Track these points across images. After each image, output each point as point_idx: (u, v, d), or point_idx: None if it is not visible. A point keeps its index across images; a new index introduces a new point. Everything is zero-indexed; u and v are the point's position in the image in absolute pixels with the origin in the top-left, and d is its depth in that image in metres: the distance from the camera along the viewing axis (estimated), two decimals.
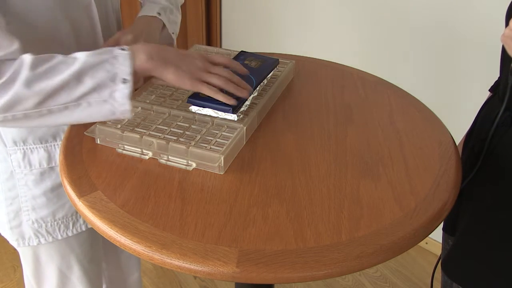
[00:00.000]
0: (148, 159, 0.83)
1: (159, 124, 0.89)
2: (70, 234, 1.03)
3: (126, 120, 0.89)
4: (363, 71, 1.16)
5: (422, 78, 1.82)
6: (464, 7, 1.62)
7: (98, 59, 0.75)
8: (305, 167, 0.82)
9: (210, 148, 0.83)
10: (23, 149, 0.95)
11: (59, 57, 0.75)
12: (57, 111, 0.75)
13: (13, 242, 1.02)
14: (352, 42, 2.03)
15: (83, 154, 0.84)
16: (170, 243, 0.66)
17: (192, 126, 0.89)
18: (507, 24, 0.88)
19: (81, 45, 0.93)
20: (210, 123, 0.89)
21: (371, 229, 0.69)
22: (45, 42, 0.87)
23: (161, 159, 0.82)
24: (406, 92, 1.07)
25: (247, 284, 0.90)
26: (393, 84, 1.10)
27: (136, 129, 0.88)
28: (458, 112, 1.67)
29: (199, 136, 0.86)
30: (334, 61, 1.20)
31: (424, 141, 0.90)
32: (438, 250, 1.91)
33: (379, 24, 1.90)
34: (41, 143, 0.96)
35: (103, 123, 0.88)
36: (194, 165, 0.81)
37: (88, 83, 0.74)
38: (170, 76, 0.81)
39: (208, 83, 0.83)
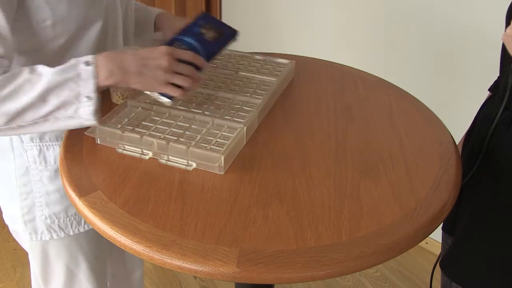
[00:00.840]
0: (148, 159, 0.83)
1: (159, 124, 0.89)
2: (82, 230, 1.04)
3: (127, 120, 0.90)
4: (363, 71, 1.16)
5: (422, 78, 1.82)
6: (464, 7, 1.62)
7: (62, 77, 0.77)
8: (305, 167, 0.82)
9: (210, 148, 0.83)
10: (39, 145, 0.97)
11: (24, 74, 0.77)
12: (27, 126, 0.78)
13: (25, 236, 1.03)
14: (352, 42, 2.03)
15: (83, 154, 0.84)
16: (170, 243, 0.66)
17: (192, 126, 0.89)
18: (507, 24, 0.88)
19: (103, 47, 0.96)
20: (211, 123, 0.89)
21: (371, 229, 0.69)
22: (73, 44, 0.90)
23: (161, 159, 0.82)
24: (406, 92, 1.07)
25: (247, 284, 0.90)
26: (393, 84, 1.10)
27: (136, 129, 0.88)
28: (458, 112, 1.67)
29: (199, 136, 0.86)
30: (334, 61, 1.20)
31: (424, 141, 0.90)
32: (438, 250, 1.91)
33: (379, 24, 1.90)
34: (57, 141, 0.98)
35: (104, 123, 0.88)
36: (194, 165, 0.81)
37: (53, 102, 0.77)
38: (136, 86, 0.83)
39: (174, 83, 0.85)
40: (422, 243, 1.97)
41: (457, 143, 0.92)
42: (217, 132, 0.87)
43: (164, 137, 0.85)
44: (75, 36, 0.89)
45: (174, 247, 0.66)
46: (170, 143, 0.82)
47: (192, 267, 0.64)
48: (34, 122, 0.78)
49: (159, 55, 0.83)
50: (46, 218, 1.01)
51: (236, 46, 1.15)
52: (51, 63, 0.87)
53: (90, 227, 1.05)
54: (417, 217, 0.72)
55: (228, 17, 2.59)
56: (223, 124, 0.89)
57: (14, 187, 1.00)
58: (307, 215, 0.72)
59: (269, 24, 2.37)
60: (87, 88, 0.77)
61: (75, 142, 0.87)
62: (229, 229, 0.69)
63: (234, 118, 0.91)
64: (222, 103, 0.96)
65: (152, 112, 0.93)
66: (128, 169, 0.81)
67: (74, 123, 0.80)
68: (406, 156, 0.85)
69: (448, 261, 0.95)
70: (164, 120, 0.90)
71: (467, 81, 1.70)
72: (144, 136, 0.84)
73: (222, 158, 0.79)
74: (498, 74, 0.98)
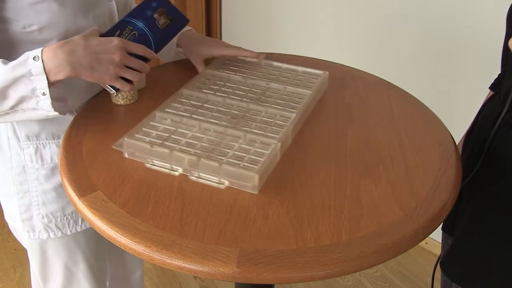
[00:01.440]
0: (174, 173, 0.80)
1: (189, 138, 0.86)
2: (79, 229, 1.04)
3: (155, 133, 0.87)
4: (363, 71, 1.16)
5: (422, 78, 1.82)
6: (464, 6, 1.62)
7: (15, 74, 0.78)
8: (305, 167, 0.82)
9: (244, 165, 0.79)
10: (35, 144, 0.97)
11: None
12: (1, 116, 0.82)
13: (24, 233, 1.04)
14: (352, 42, 2.03)
15: (83, 154, 0.84)
16: (170, 243, 0.66)
17: (224, 141, 0.85)
18: (508, 27, 0.88)
19: None
20: (243, 138, 0.86)
21: (371, 229, 0.69)
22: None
23: (192, 176, 0.78)
24: (406, 92, 1.07)
25: (247, 284, 0.90)
26: (393, 84, 1.10)
27: (165, 143, 0.84)
28: (458, 112, 1.67)
29: (231, 152, 0.82)
30: (334, 61, 1.20)
31: (424, 141, 0.90)
32: (438, 250, 1.91)
33: (380, 24, 1.90)
34: (54, 139, 0.98)
35: (132, 136, 0.84)
36: (226, 183, 0.77)
37: (13, 96, 0.79)
38: (88, 79, 0.83)
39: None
40: (422, 243, 1.97)
41: (457, 143, 0.92)
42: (250, 148, 0.83)
43: (195, 152, 0.81)
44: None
45: (174, 247, 0.66)
46: (202, 159, 0.78)
47: (192, 267, 0.64)
48: (5, 113, 0.82)
49: (112, 50, 0.83)
50: (43, 217, 1.01)
51: (236, 45, 1.14)
52: None
53: (88, 226, 1.05)
54: (417, 217, 0.72)
55: (228, 17, 2.60)
56: (255, 139, 0.85)
57: (11, 186, 1.01)
58: (307, 215, 0.72)
59: (269, 24, 2.37)
60: (40, 84, 0.79)
61: (75, 142, 0.87)
62: (229, 229, 0.69)
63: (267, 133, 0.87)
64: (254, 116, 0.92)
65: (181, 125, 0.89)
66: (128, 169, 0.81)
67: (39, 114, 0.82)
68: (406, 156, 0.85)
69: (448, 261, 0.95)
70: (194, 133, 0.87)
71: (467, 81, 1.70)
72: (174, 151, 0.80)
73: (257, 177, 0.75)
74: (498, 73, 0.98)
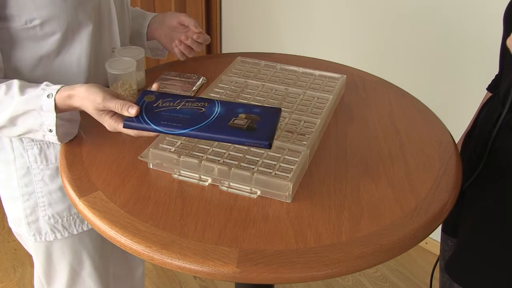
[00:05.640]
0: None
1: (215, 147, 0.83)
2: (85, 228, 1.04)
3: (180, 142, 0.85)
4: (363, 71, 1.16)
5: (422, 78, 1.82)
6: (463, 6, 1.62)
7: (27, 107, 0.81)
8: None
9: (275, 174, 0.77)
10: (39, 144, 0.97)
11: (0, 95, 0.81)
12: (9, 136, 0.87)
13: (30, 238, 1.03)
14: (352, 42, 2.03)
15: (83, 154, 0.84)
16: (171, 243, 0.66)
17: (251, 149, 0.83)
18: (505, 26, 0.88)
19: (99, 44, 0.96)
20: None
21: (371, 229, 0.69)
22: (67, 42, 0.91)
23: (222, 186, 0.76)
24: (406, 92, 1.07)
25: (247, 284, 0.90)
26: (393, 84, 1.10)
27: (192, 152, 0.82)
28: (458, 112, 1.67)
29: (261, 161, 0.80)
30: (334, 61, 1.20)
31: (424, 141, 0.90)
32: (438, 250, 1.91)
33: (379, 24, 1.90)
34: None
35: (157, 146, 0.82)
36: (258, 192, 0.75)
37: (21, 126, 0.83)
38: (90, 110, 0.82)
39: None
40: (422, 243, 1.97)
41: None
42: (279, 155, 0.81)
43: (224, 161, 0.79)
44: (69, 34, 0.89)
45: (174, 247, 0.66)
46: (233, 168, 0.76)
47: (192, 267, 0.64)
48: (13, 136, 0.88)
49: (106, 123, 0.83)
50: (49, 218, 1.01)
51: (236, 46, 1.14)
52: (47, 61, 0.90)
53: None
54: (417, 217, 0.72)
55: (227, 17, 2.60)
56: (283, 147, 0.83)
57: (16, 189, 1.00)
58: (307, 215, 0.72)
59: (269, 23, 2.37)
60: (49, 120, 0.81)
61: (75, 142, 0.87)
62: (229, 229, 0.69)
63: (294, 140, 0.86)
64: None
65: None
66: (128, 169, 0.81)
67: (46, 141, 0.88)
68: (406, 156, 0.85)
69: (453, 265, 0.94)
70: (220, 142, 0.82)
71: (467, 81, 1.70)
72: (203, 161, 0.78)
73: (291, 185, 0.73)
74: (497, 73, 0.98)
